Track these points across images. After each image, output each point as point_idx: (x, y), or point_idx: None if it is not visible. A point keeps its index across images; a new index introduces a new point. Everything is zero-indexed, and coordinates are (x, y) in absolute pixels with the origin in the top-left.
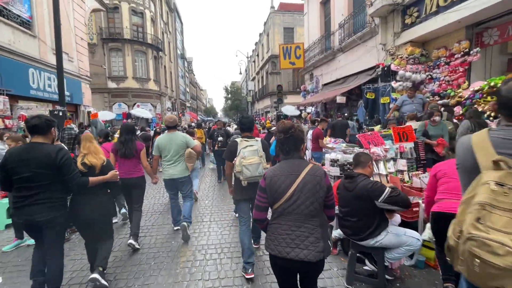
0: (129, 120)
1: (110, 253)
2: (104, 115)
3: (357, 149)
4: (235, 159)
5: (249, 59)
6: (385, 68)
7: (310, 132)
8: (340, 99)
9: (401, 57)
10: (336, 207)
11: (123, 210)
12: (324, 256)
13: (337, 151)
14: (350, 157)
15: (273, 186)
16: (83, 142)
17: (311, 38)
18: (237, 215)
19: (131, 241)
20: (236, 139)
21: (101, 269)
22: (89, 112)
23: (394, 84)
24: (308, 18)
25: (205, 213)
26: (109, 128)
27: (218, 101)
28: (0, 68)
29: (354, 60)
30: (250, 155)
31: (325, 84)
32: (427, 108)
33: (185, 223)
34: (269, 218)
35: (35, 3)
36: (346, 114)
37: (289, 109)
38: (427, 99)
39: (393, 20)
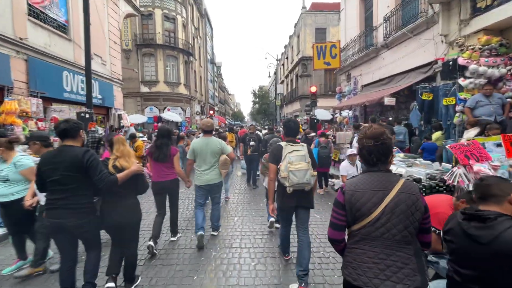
0: (160, 124)
1: (137, 259)
2: (136, 119)
3: (420, 161)
4: (280, 164)
5: (278, 61)
6: (450, 63)
7: (356, 139)
8: (389, 101)
9: (472, 49)
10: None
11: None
12: None
13: (395, 163)
14: (414, 172)
15: (355, 204)
16: (116, 145)
17: (348, 35)
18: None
19: (172, 238)
20: (281, 143)
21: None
22: (119, 115)
23: (462, 81)
24: (345, 14)
25: (237, 217)
26: (141, 132)
27: (245, 106)
28: (35, 71)
29: (402, 57)
30: (297, 160)
31: (365, 85)
32: (508, 111)
33: (214, 233)
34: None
35: (71, 7)
36: (391, 119)
37: (320, 113)
38: (508, 99)
39: (459, 5)
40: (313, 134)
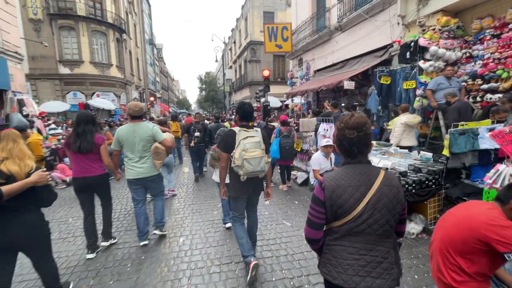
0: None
1: (57, 271)
2: (55, 106)
3: (395, 150)
4: (233, 151)
5: (226, 45)
6: (411, 44)
7: (324, 126)
8: (349, 85)
9: (433, 29)
10: None
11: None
12: (398, 284)
13: (376, 154)
14: (395, 164)
15: (336, 201)
16: (2, 142)
17: (299, 17)
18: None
19: (103, 243)
20: (233, 129)
21: None
22: (20, 101)
23: (423, 64)
24: None
25: (185, 214)
26: (64, 122)
27: (192, 93)
28: None
29: (357, 40)
30: (252, 148)
31: (318, 70)
32: (464, 95)
33: (157, 231)
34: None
35: None
36: (343, 105)
37: (270, 100)
38: (463, 83)
39: None
40: (275, 123)
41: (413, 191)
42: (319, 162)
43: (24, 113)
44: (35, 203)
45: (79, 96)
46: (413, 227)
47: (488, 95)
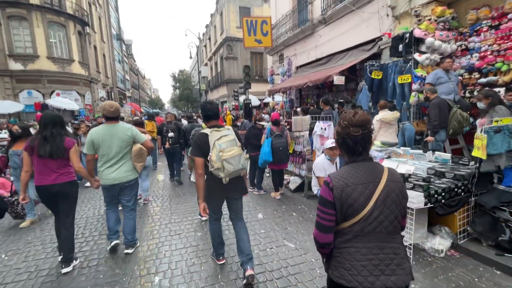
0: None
1: None
2: (5, 107)
3: (405, 150)
4: (210, 154)
5: (200, 41)
6: (406, 36)
7: (320, 125)
8: (338, 80)
9: (429, 20)
10: None
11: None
12: (412, 278)
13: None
14: (410, 167)
15: (346, 200)
16: None
17: (279, 11)
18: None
19: (65, 269)
20: (204, 131)
21: None
22: None
23: (418, 56)
24: None
25: (161, 239)
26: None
27: (165, 92)
28: None
29: (342, 33)
30: (229, 147)
31: (301, 66)
32: (460, 89)
33: (129, 250)
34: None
35: None
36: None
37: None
38: (459, 77)
39: None
40: (264, 122)
41: (443, 201)
42: (324, 167)
43: None
44: None
45: (35, 95)
46: (440, 242)
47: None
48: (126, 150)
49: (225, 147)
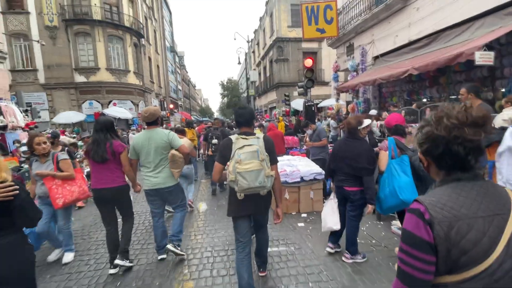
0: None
1: None
2: (70, 117)
3: None
4: (227, 163)
5: (249, 44)
6: None
7: None
8: (484, 57)
9: None
10: None
11: None
12: None
13: None
14: None
15: (459, 242)
16: None
17: None
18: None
19: (118, 261)
20: (231, 137)
21: None
22: None
23: None
24: None
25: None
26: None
27: (214, 101)
28: None
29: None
30: (247, 159)
31: (382, 55)
32: None
33: (170, 246)
34: None
35: None
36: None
37: (300, 103)
38: None
39: None
40: (367, 123)
41: None
42: None
43: (1, 124)
44: (11, 224)
45: (95, 105)
46: None
47: None
48: (164, 155)
49: (243, 159)
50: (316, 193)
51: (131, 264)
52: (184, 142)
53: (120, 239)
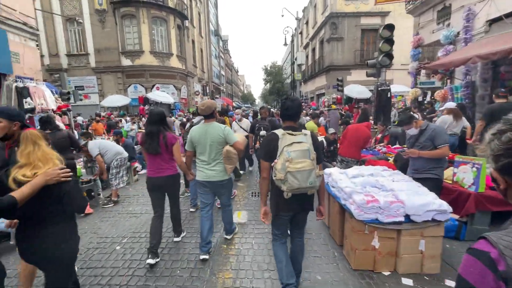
0: (147, 106)
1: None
2: (116, 100)
3: None
4: (275, 160)
5: (298, 21)
6: None
7: None
8: None
9: None
10: None
11: None
12: None
13: None
14: None
15: None
16: (21, 146)
17: None
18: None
19: (175, 239)
20: (276, 131)
21: None
22: (19, 90)
23: None
24: None
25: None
26: (121, 118)
27: (256, 88)
28: None
29: None
30: (299, 157)
31: (508, 15)
32: None
33: (228, 236)
34: None
35: None
36: None
37: (355, 90)
38: None
39: None
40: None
41: None
42: None
43: (28, 107)
44: (61, 211)
45: (139, 89)
46: None
47: None
48: (219, 150)
49: (294, 157)
50: (431, 244)
51: (183, 234)
52: (239, 138)
53: (172, 221)
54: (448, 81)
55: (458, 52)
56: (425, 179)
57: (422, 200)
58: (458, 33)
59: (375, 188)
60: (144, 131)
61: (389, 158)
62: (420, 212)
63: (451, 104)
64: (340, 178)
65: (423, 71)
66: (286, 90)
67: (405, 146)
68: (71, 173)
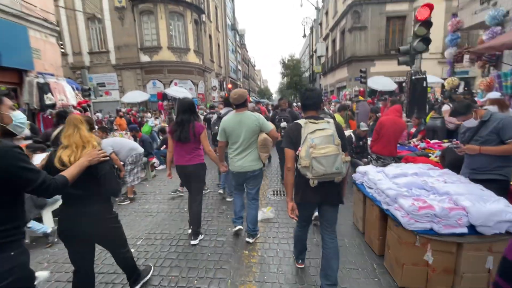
0: (165, 102)
1: (132, 259)
2: (135, 96)
3: None
4: (299, 148)
5: (318, 10)
6: None
7: None
8: None
9: None
10: None
11: None
12: None
13: None
14: None
15: None
16: (65, 128)
17: None
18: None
19: (193, 241)
20: (299, 121)
21: None
22: (41, 85)
23: None
24: None
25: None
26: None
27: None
28: None
29: None
30: (323, 143)
31: None
32: None
33: (239, 227)
34: None
35: None
36: None
37: (379, 81)
38: None
39: None
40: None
41: None
42: None
43: (49, 102)
44: (99, 194)
45: (158, 85)
46: None
47: None
48: (253, 139)
49: (318, 143)
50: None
51: (201, 237)
52: (272, 126)
53: (191, 221)
54: (491, 68)
55: (508, 34)
56: (487, 181)
57: (492, 208)
58: (508, 12)
59: (423, 191)
60: (165, 125)
61: (429, 154)
62: (490, 223)
63: (495, 94)
64: (379, 178)
65: (465, 57)
66: (304, 83)
67: (445, 140)
68: (107, 155)
